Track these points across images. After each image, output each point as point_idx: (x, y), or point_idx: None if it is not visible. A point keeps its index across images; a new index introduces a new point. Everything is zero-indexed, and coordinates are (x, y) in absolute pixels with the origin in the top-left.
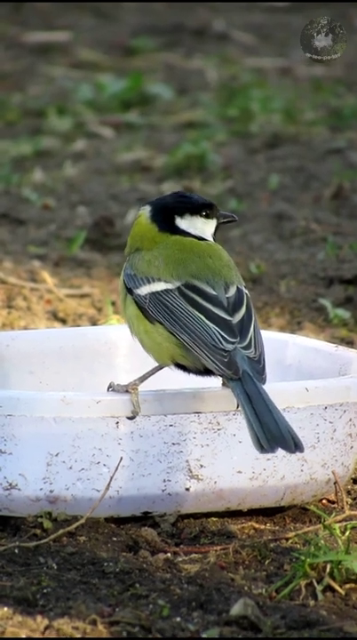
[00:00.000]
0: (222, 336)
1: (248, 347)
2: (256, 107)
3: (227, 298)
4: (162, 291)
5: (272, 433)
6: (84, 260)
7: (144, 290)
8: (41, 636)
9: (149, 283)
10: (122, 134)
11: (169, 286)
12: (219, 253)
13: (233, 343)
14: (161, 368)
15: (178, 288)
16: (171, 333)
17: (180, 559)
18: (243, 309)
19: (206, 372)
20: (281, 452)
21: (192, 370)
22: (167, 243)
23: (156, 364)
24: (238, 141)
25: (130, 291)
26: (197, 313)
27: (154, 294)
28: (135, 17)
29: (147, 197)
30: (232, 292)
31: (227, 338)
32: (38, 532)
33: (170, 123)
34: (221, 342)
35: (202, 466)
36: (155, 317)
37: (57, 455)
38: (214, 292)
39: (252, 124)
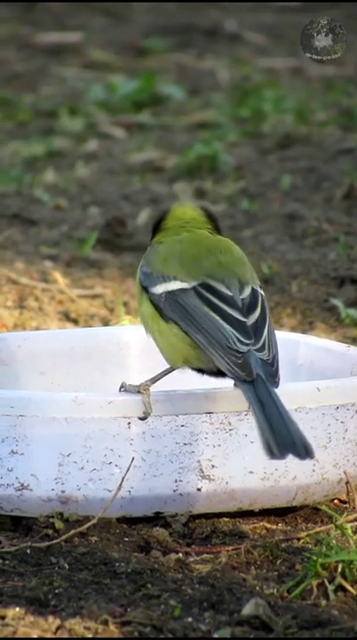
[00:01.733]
0: (237, 337)
1: (261, 349)
2: (268, 107)
3: (242, 299)
4: (177, 290)
5: (282, 439)
6: (96, 260)
7: (159, 289)
8: (52, 636)
9: (165, 281)
10: (134, 135)
11: (185, 285)
12: (231, 248)
13: (247, 345)
14: (172, 370)
15: (194, 288)
16: (186, 333)
17: (192, 559)
18: (258, 311)
19: (220, 373)
20: None
21: (205, 371)
22: (179, 236)
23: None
24: (250, 142)
25: (145, 289)
26: (212, 313)
27: (169, 293)
28: (146, 17)
29: (159, 198)
30: (247, 292)
31: (242, 339)
32: (50, 532)
33: (181, 123)
34: (235, 344)
35: (213, 466)
36: (170, 317)
37: (68, 455)
38: (230, 293)
39: (264, 125)
